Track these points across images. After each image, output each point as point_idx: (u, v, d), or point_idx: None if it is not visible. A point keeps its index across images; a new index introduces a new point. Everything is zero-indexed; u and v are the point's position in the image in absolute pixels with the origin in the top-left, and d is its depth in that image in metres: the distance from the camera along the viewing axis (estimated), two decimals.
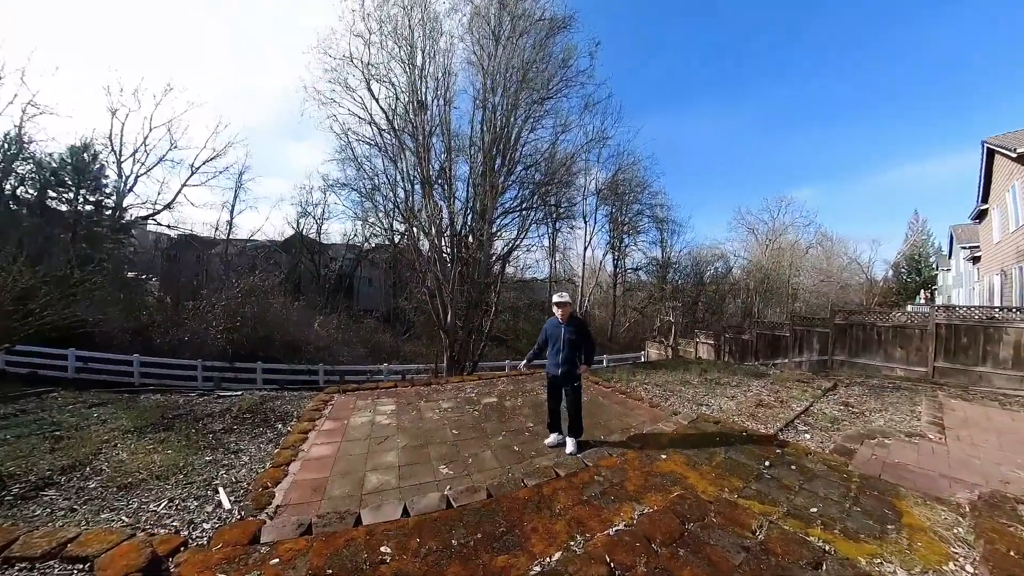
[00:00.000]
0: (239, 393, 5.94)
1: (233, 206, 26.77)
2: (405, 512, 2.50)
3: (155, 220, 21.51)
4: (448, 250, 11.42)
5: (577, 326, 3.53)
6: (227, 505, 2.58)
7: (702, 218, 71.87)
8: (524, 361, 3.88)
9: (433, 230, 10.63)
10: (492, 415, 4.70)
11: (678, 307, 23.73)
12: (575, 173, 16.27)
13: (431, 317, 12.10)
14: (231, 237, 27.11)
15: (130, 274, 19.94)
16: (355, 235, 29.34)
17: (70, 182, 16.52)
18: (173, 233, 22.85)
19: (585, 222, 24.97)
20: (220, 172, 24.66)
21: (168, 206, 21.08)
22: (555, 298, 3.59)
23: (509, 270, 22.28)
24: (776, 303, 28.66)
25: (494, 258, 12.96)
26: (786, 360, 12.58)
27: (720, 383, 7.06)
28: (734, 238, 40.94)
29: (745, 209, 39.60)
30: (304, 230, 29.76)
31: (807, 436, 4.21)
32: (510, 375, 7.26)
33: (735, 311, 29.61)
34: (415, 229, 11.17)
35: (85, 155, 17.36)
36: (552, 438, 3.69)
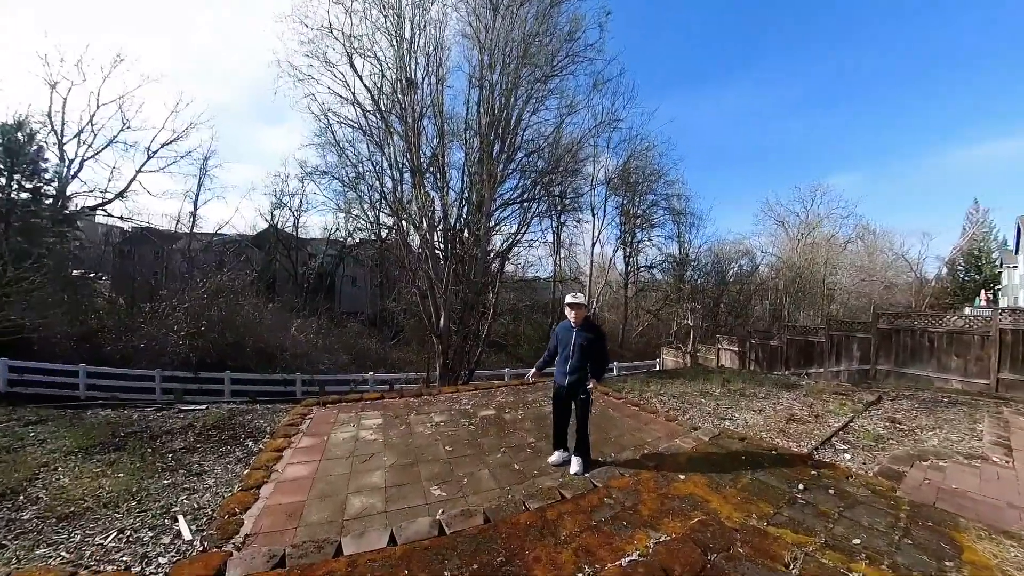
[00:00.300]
0: (204, 407, 5.93)
1: (197, 196, 26.67)
2: (392, 540, 2.49)
3: (105, 211, 20.99)
4: (441, 246, 11.42)
5: (592, 331, 3.54)
6: (187, 535, 2.56)
7: (725, 210, 71.93)
8: (533, 370, 3.89)
9: (424, 223, 10.63)
10: (490, 429, 4.73)
11: (697, 309, 23.70)
12: (582, 160, 16.40)
13: (422, 320, 12.09)
14: (195, 231, 27.06)
15: (75, 272, 19.43)
16: (337, 229, 29.50)
17: (1, 166, 16.29)
18: (127, 226, 22.78)
19: (593, 215, 25.15)
20: (181, 157, 24.07)
21: (120, 195, 20.84)
22: (568, 298, 3.59)
23: (509, 268, 22.43)
24: (809, 305, 28.68)
25: (492, 255, 12.98)
26: (821, 369, 12.56)
27: (745, 395, 7.08)
28: (761, 232, 41.22)
29: (774, 199, 39.74)
30: (279, 223, 29.85)
31: (847, 456, 4.22)
32: (510, 385, 7.32)
33: (762, 314, 29.64)
34: (404, 222, 11.17)
35: (19, 135, 16.66)
36: (556, 456, 3.69)
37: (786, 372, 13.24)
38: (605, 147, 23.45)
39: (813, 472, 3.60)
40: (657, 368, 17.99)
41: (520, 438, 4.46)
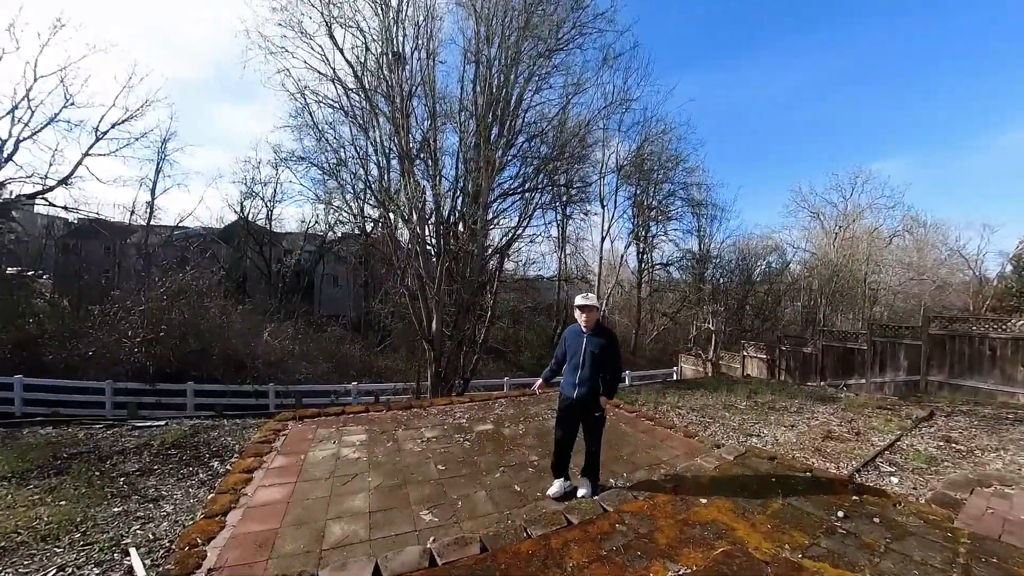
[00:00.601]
0: (162, 423, 5.94)
1: (155, 183, 26.76)
2: (376, 572, 2.49)
3: (46, 199, 20.68)
4: (433, 241, 11.43)
5: (604, 338, 3.52)
6: (140, 571, 2.54)
7: (751, 200, 71.29)
8: (539, 380, 3.87)
9: (414, 216, 10.64)
10: (487, 446, 4.76)
11: (720, 312, 23.75)
12: (591, 145, 16.37)
13: (412, 324, 12.12)
14: (153, 223, 27.15)
15: (10, 270, 19.05)
16: (316, 222, 29.58)
17: None
18: (72, 217, 22.73)
19: (603, 206, 25.25)
20: (136, 139, 23.82)
21: (64, 181, 20.60)
22: (579, 300, 3.54)
23: (509, 266, 22.46)
24: (848, 308, 28.67)
25: (490, 251, 13.02)
26: (862, 380, 12.56)
27: (775, 408, 7.12)
28: (793, 225, 41.32)
29: (808, 188, 39.56)
30: (250, 215, 29.94)
31: (894, 480, 4.21)
32: (510, 396, 7.36)
33: (793, 317, 29.67)
34: (392, 215, 11.19)
35: None
36: (557, 486, 3.61)
37: (822, 383, 13.22)
38: (616, 130, 23.50)
39: (855, 497, 3.57)
40: (674, 378, 18.15)
41: (521, 456, 4.46)
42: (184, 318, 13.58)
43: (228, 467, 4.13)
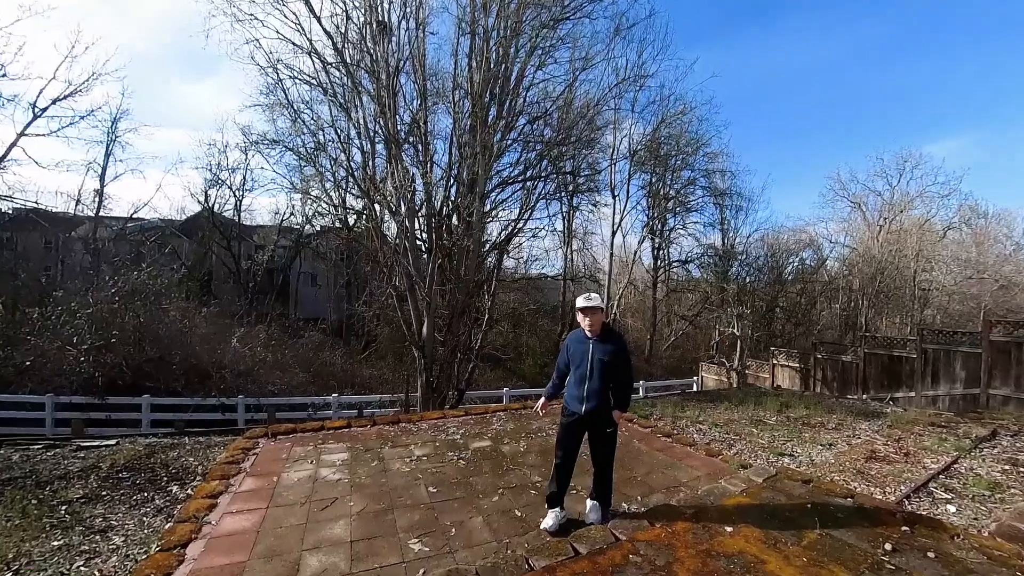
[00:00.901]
0: (113, 442, 5.91)
1: (104, 168, 26.51)
2: None
3: None
4: (424, 235, 11.42)
5: (613, 342, 3.50)
6: None
7: (783, 188, 71.64)
8: (541, 400, 3.83)
9: (403, 207, 10.63)
10: (484, 466, 4.78)
11: (746, 315, 23.80)
12: (600, 128, 16.43)
13: (399, 329, 12.12)
14: (102, 214, 26.84)
15: None
16: (291, 214, 29.61)
17: None
18: (6, 206, 22.34)
19: (614, 196, 25.22)
20: (81, 117, 23.35)
21: None
22: (580, 301, 3.51)
23: (509, 264, 22.53)
24: (894, 310, 28.63)
25: (488, 247, 13.04)
26: (911, 393, 12.53)
27: (810, 424, 7.12)
28: (830, 216, 41.36)
29: (848, 174, 39.56)
30: (216, 205, 29.89)
31: (951, 508, 4.18)
32: (509, 409, 7.40)
33: (831, 321, 29.67)
34: (377, 206, 11.18)
35: None
36: (552, 518, 3.50)
37: (863, 396, 13.18)
38: (629, 111, 23.56)
39: (904, 528, 3.53)
40: (694, 388, 18.18)
41: (522, 476, 4.47)
42: (139, 322, 13.59)
43: (189, 492, 4.11)
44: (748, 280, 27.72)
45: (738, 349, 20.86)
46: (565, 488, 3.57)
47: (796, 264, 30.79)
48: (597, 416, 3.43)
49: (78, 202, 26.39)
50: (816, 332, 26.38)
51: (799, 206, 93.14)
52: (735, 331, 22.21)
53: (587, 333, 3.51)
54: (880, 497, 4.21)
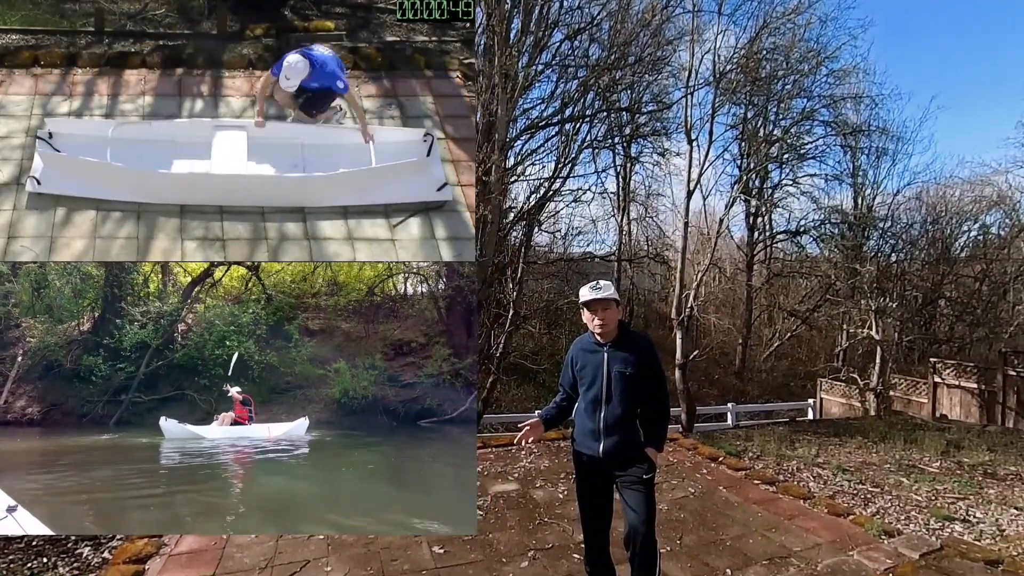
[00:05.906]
0: None
1: None
2: None
3: None
4: None
5: (636, 348, 2.84)
6: None
7: (953, 120, 56.01)
8: (527, 426, 2.95)
9: None
10: (509, 517, 4.43)
11: (891, 310, 19.42)
12: (671, 40, 13.31)
13: None
14: None
15: None
16: None
17: None
18: None
19: (690, 142, 19.45)
20: None
21: None
22: (585, 292, 2.82)
23: (541, 239, 20.41)
24: None
25: (512, 217, 11.81)
26: None
27: (996, 475, 6.36)
28: None
29: None
30: None
31: None
32: (545, 440, 6.83)
33: None
34: None
35: None
36: None
37: None
38: (715, 13, 17.77)
39: None
40: (810, 416, 16.03)
41: (562, 534, 4.00)
42: None
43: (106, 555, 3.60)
44: (895, 259, 22.72)
45: (878, 360, 17.32)
46: (605, 551, 2.90)
47: (974, 233, 25.46)
48: (621, 457, 2.75)
49: None
50: (1007, 336, 21.76)
51: (980, 145, 72.46)
52: (872, 333, 18.26)
53: (598, 338, 2.83)
54: None
